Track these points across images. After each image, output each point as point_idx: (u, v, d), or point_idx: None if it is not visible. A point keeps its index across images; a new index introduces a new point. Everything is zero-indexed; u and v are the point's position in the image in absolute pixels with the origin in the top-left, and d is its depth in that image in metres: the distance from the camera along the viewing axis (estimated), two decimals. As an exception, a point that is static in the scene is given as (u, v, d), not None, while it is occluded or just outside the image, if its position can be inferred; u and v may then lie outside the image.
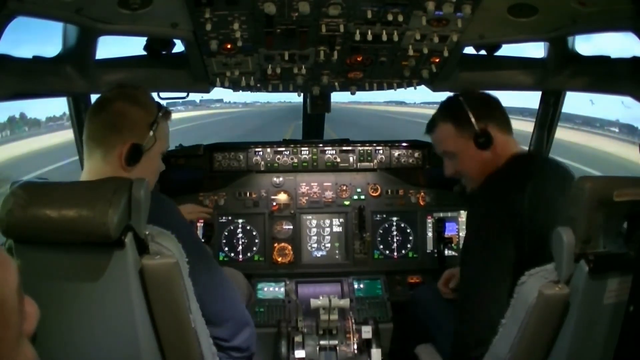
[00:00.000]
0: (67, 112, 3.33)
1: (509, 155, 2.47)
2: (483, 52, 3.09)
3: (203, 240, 3.37)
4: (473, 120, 2.46)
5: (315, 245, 3.70)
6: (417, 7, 2.44)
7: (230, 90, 3.33)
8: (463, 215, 3.74)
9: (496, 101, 2.57)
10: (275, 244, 3.64)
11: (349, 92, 3.39)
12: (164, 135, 2.21)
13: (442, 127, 2.57)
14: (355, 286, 3.58)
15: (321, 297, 2.62)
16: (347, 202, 3.71)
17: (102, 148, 2.12)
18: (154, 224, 1.83)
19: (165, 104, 2.27)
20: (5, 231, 1.67)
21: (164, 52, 2.95)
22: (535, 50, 3.40)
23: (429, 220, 3.71)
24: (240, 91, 3.36)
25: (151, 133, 2.12)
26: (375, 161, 3.75)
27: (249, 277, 3.58)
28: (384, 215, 3.73)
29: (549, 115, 3.47)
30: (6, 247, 1.69)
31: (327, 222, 3.71)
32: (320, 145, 3.76)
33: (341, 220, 3.71)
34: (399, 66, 3.05)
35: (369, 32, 2.63)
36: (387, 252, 3.71)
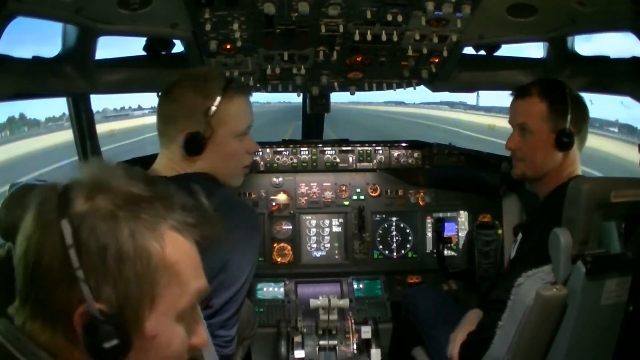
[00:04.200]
0: (67, 113, 3.33)
1: (572, 173, 2.40)
2: (483, 52, 3.08)
3: None
4: (569, 117, 2.36)
5: (314, 245, 3.70)
6: (417, 7, 2.44)
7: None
8: (462, 215, 3.74)
9: (589, 117, 2.48)
10: (275, 244, 3.64)
11: (348, 92, 3.39)
12: (230, 117, 2.11)
13: (536, 102, 2.41)
14: (355, 286, 3.58)
15: (321, 297, 2.62)
16: (346, 202, 3.71)
17: (164, 138, 2.14)
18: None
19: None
20: (4, 234, 1.67)
21: (163, 52, 2.94)
22: (535, 50, 3.40)
23: (429, 221, 3.72)
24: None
25: (209, 118, 2.04)
26: (374, 161, 3.75)
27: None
28: (384, 216, 3.73)
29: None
30: (5, 249, 1.68)
31: (327, 222, 3.71)
32: (320, 145, 3.76)
33: (341, 220, 3.71)
34: (399, 66, 3.05)
35: (369, 32, 2.63)
36: (387, 252, 3.72)
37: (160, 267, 1.02)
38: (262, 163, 3.69)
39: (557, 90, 2.42)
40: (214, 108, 2.06)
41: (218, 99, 2.06)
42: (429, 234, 3.72)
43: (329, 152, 3.74)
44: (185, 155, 2.08)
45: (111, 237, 0.98)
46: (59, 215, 0.98)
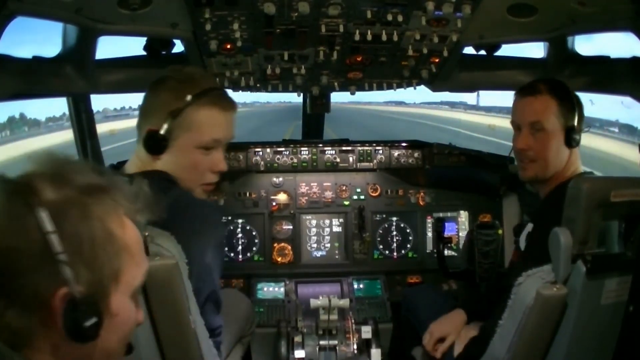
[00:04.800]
0: (67, 113, 3.33)
1: (575, 172, 2.40)
2: (483, 52, 3.08)
3: None
4: (577, 113, 2.36)
5: (315, 245, 3.70)
6: (417, 7, 2.44)
7: (230, 91, 3.32)
8: (462, 215, 3.74)
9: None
10: (275, 244, 3.64)
11: (348, 92, 3.39)
12: (195, 125, 2.02)
13: (547, 99, 2.39)
14: (355, 286, 3.58)
15: (321, 297, 2.62)
16: (346, 202, 3.71)
17: (138, 131, 2.09)
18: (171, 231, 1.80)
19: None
20: None
21: (163, 52, 2.95)
22: (536, 50, 3.40)
23: (429, 221, 3.72)
24: (240, 91, 3.36)
25: (172, 119, 1.98)
26: (374, 161, 3.75)
27: (248, 277, 3.59)
28: (384, 215, 3.73)
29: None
30: None
31: (327, 222, 3.71)
32: (320, 145, 3.76)
33: (341, 220, 3.71)
34: (399, 66, 3.04)
35: (369, 32, 2.63)
36: (387, 252, 3.72)
37: (122, 249, 1.13)
38: (262, 163, 3.69)
39: (562, 87, 2.43)
40: (179, 111, 2.00)
41: (186, 103, 2.01)
42: (429, 234, 3.72)
43: (329, 152, 3.74)
44: (148, 154, 2.04)
45: (84, 222, 1.07)
46: (32, 205, 1.04)
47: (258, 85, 3.22)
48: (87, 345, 1.07)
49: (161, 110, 2.02)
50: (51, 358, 1.07)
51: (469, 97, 48.29)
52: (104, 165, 2.28)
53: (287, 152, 3.71)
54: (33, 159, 1.12)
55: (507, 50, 3.09)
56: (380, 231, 3.72)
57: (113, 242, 1.11)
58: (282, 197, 3.68)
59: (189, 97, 2.01)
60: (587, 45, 3.02)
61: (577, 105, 2.41)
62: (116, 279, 1.11)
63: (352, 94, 3.39)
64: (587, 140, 2.53)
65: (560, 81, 2.51)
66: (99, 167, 1.19)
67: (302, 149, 3.73)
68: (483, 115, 29.34)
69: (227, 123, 2.14)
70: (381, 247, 3.72)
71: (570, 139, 2.36)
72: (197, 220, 1.98)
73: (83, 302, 1.04)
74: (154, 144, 2.02)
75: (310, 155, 3.72)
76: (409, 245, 3.73)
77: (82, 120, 3.29)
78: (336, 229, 3.71)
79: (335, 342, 2.64)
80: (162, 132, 2.00)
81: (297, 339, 2.64)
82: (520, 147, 2.44)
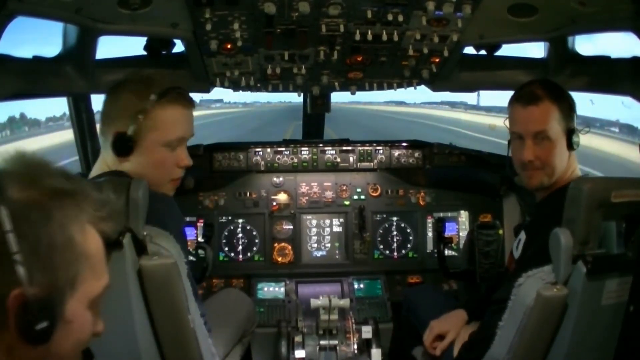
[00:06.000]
0: (67, 113, 3.33)
1: (573, 173, 2.37)
2: (483, 52, 3.08)
3: (203, 240, 3.37)
4: (575, 114, 2.33)
5: (315, 245, 3.70)
6: (417, 7, 2.44)
7: (230, 90, 3.33)
8: (463, 215, 3.74)
9: None
10: (275, 244, 3.65)
11: (349, 92, 3.39)
12: (160, 124, 2.07)
13: (548, 106, 2.31)
14: (355, 286, 3.58)
15: (321, 297, 2.62)
16: (347, 202, 3.71)
17: (102, 137, 2.13)
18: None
19: None
20: None
21: (164, 52, 2.95)
22: (536, 50, 3.40)
23: (429, 220, 3.72)
24: (240, 91, 3.36)
25: (138, 120, 2.02)
26: (375, 161, 3.75)
27: (249, 277, 3.59)
28: (384, 215, 3.73)
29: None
30: None
31: (327, 222, 3.71)
32: (320, 145, 3.76)
33: (341, 220, 3.71)
34: (399, 66, 3.05)
35: (369, 32, 2.63)
36: (387, 252, 3.72)
37: (82, 257, 1.10)
38: (262, 163, 3.69)
39: (558, 89, 2.40)
40: (145, 111, 2.04)
41: (151, 103, 2.05)
42: (430, 234, 3.72)
43: (330, 152, 3.74)
44: (116, 157, 2.07)
45: (44, 226, 1.05)
46: None
47: (258, 85, 3.22)
48: (40, 349, 1.05)
49: (125, 112, 2.06)
50: (5, 358, 1.06)
51: (469, 97, 48.43)
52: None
53: (288, 152, 3.71)
54: (5, 158, 1.12)
55: (507, 50, 3.09)
56: (381, 231, 3.72)
57: (72, 248, 1.09)
58: (282, 197, 3.68)
59: (153, 97, 2.05)
60: (588, 45, 3.01)
61: (573, 105, 2.38)
62: (72, 286, 1.09)
63: (353, 94, 3.39)
64: (588, 140, 2.51)
65: (554, 82, 2.48)
66: (69, 173, 1.17)
67: (303, 148, 3.73)
68: (483, 115, 29.35)
69: (190, 120, 2.20)
70: (381, 247, 3.72)
71: (572, 141, 2.34)
72: (157, 214, 1.98)
73: (36, 305, 1.02)
74: (122, 145, 2.05)
75: (310, 155, 3.72)
76: (409, 245, 3.73)
77: (83, 120, 3.29)
78: (336, 228, 3.71)
79: (336, 342, 2.64)
80: (129, 133, 2.03)
81: (298, 338, 2.64)
82: (528, 159, 2.35)
